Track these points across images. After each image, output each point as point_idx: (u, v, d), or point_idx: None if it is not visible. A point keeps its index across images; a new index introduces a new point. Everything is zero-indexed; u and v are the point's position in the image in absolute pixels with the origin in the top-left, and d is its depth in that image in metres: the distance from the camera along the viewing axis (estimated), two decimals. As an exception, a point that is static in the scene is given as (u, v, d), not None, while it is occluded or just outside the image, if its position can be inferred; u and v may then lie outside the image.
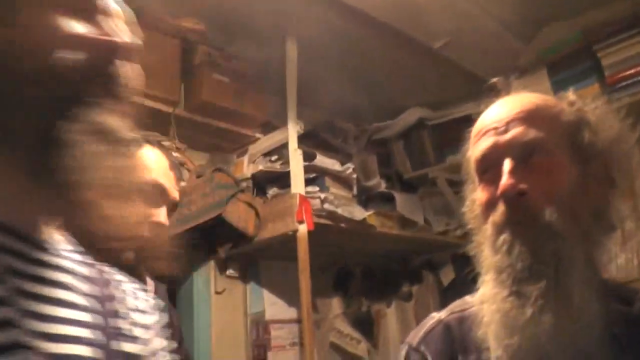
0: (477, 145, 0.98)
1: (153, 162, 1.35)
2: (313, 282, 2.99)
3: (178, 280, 2.84)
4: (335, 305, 3.09)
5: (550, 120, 0.95)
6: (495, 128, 0.95)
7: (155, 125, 2.47)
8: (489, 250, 0.94)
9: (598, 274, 0.95)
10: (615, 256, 2.82)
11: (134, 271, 1.40)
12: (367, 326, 3.17)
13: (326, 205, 2.48)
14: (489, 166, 0.95)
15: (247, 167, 2.70)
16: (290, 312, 2.86)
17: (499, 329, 0.91)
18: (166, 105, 2.47)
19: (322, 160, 2.56)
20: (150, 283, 1.53)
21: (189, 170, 2.55)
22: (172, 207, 1.40)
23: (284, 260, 2.76)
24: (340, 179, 2.63)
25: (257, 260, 2.89)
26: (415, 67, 2.83)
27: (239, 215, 2.54)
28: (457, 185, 2.94)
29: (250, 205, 2.57)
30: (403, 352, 1.04)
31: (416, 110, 3.04)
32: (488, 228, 0.94)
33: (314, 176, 2.56)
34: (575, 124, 0.96)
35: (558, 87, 2.60)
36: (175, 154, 2.49)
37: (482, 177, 0.97)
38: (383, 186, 2.82)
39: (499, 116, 0.97)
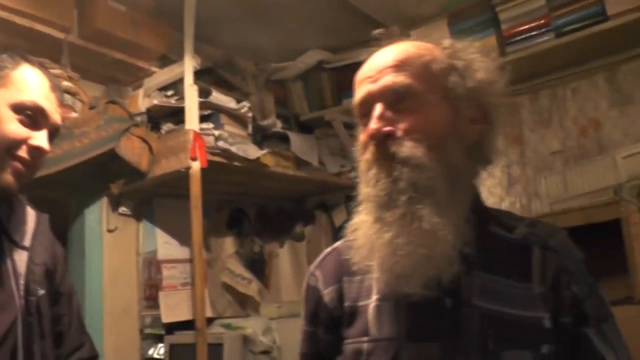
0: (356, 94, 1.06)
1: (32, 83, 1.30)
2: (207, 222, 3.01)
3: (68, 217, 2.79)
4: (229, 244, 3.11)
5: (420, 67, 1.03)
6: (370, 77, 1.04)
7: (46, 51, 2.37)
8: (362, 184, 1.03)
9: (474, 201, 1.05)
10: (500, 200, 3.01)
11: (11, 195, 1.38)
12: (259, 266, 3.23)
13: (220, 143, 2.48)
14: (365, 112, 1.04)
15: (142, 101, 2.65)
16: (183, 252, 2.87)
17: (366, 252, 1.01)
18: (58, 31, 2.38)
19: (218, 97, 2.54)
20: (31, 212, 1.50)
21: (82, 102, 2.47)
22: (54, 131, 1.36)
23: (177, 199, 2.75)
24: (236, 117, 2.62)
25: (150, 198, 2.86)
26: (317, 10, 2.82)
27: (132, 150, 2.50)
28: (352, 128, 3.02)
29: (144, 140, 2.53)
30: (306, 277, 1.19)
31: (316, 53, 3.06)
32: (362, 164, 1.04)
33: (209, 113, 2.54)
34: (446, 69, 1.04)
35: (457, 37, 2.68)
36: (67, 83, 2.41)
37: (361, 121, 1.06)
38: (279, 126, 2.84)
39: (373, 66, 1.05)
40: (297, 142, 2.87)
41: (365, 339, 1.03)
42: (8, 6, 2.19)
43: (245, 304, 3.13)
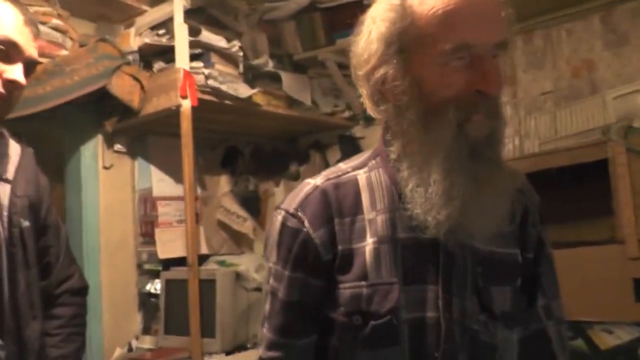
0: (462, 28, 0.93)
1: (3, 18, 1.31)
2: (202, 160, 3.05)
3: (64, 153, 2.83)
4: (224, 183, 3.15)
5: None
6: (484, 17, 0.94)
7: (34, -11, 2.37)
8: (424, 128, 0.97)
9: None
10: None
11: None
12: (254, 204, 3.28)
13: (210, 82, 2.48)
14: (471, 54, 0.94)
15: (134, 39, 2.65)
16: (178, 189, 2.90)
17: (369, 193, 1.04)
18: (46, -32, 2.37)
19: (208, 36, 2.53)
20: (15, 145, 1.53)
21: (72, 39, 2.48)
22: (30, 65, 1.38)
23: (171, 137, 2.75)
24: (227, 56, 2.61)
25: (145, 135, 2.89)
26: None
27: (123, 87, 2.52)
28: (346, 68, 3.01)
29: (135, 78, 2.54)
30: (279, 218, 1.08)
31: (310, -8, 3.02)
32: (443, 108, 0.95)
33: (200, 52, 2.54)
34: None
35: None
36: (56, 21, 2.41)
37: (451, 58, 0.94)
38: (271, 65, 2.82)
39: (481, 6, 0.94)
40: (289, 82, 2.86)
41: (364, 283, 1.00)
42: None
43: (240, 242, 3.19)
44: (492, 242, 1.02)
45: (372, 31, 1.01)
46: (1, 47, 1.29)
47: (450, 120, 0.94)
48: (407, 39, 0.96)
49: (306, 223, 1.04)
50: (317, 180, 1.09)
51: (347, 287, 1.02)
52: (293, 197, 1.09)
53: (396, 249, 1.00)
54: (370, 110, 1.07)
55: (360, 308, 1.00)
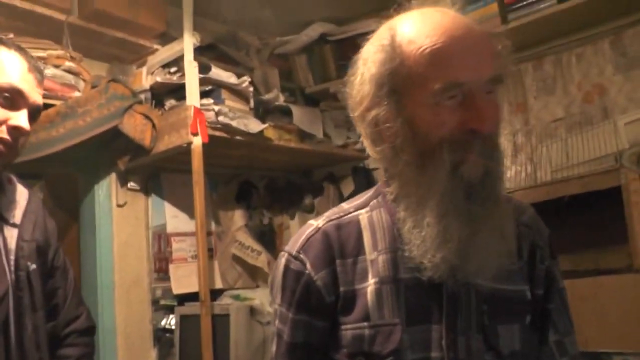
0: (451, 66, 0.93)
1: (8, 65, 1.34)
2: (216, 195, 3.07)
3: (79, 193, 2.87)
4: (238, 217, 3.17)
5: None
6: (473, 53, 0.94)
7: (47, 33, 2.43)
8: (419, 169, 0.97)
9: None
10: (505, 168, 3.00)
11: None
12: (269, 238, 3.29)
13: (221, 118, 2.51)
14: (463, 92, 0.93)
15: (146, 78, 2.70)
16: (192, 225, 2.87)
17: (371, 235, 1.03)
18: (58, 13, 2.44)
19: (218, 73, 2.57)
20: (23, 190, 1.56)
21: (84, 81, 2.53)
22: (35, 111, 1.41)
23: (184, 173, 2.79)
24: (237, 92, 2.64)
25: (158, 172, 2.93)
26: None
27: (135, 127, 2.55)
28: (357, 100, 3.02)
29: (147, 117, 2.58)
30: (283, 260, 1.09)
31: (320, 26, 3.05)
32: (438, 149, 0.94)
33: (210, 89, 2.57)
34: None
35: (459, 5, 2.65)
36: (69, 64, 2.46)
37: (442, 97, 0.93)
38: (282, 99, 2.85)
39: (469, 42, 0.94)
40: (300, 115, 2.88)
41: (366, 324, 1.00)
42: (10, -8, 2.26)
43: (256, 276, 3.20)
44: (498, 279, 1.01)
45: (364, 72, 1.01)
46: (6, 94, 1.32)
47: (445, 161, 0.93)
48: (398, 80, 0.96)
49: (308, 265, 1.05)
50: (319, 222, 1.09)
51: (349, 328, 1.02)
52: (296, 239, 1.10)
53: (399, 289, 1.00)
54: (369, 151, 1.07)
55: (363, 349, 1.00)
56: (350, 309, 1.02)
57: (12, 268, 1.43)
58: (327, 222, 1.08)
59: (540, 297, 1.07)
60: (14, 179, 1.56)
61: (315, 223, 1.09)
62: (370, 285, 1.01)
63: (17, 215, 1.49)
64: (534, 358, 1.05)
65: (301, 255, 1.06)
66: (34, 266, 1.49)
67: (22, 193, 1.55)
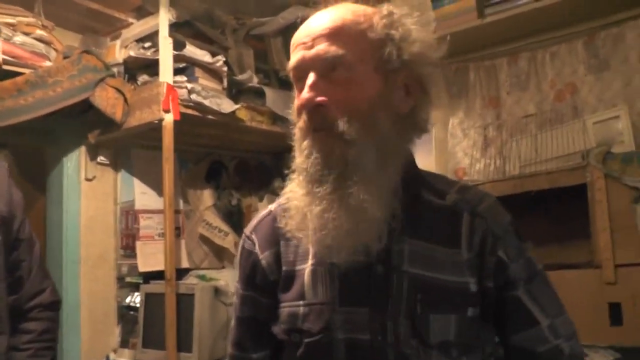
0: (292, 57, 1.05)
1: None
2: (185, 173, 3.04)
3: (47, 165, 2.82)
4: (207, 197, 3.15)
5: (355, 36, 1.01)
6: (304, 43, 1.02)
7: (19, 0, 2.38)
8: (297, 152, 1.05)
9: (407, 169, 1.06)
10: (475, 161, 3.02)
11: None
12: (237, 219, 3.27)
13: (193, 96, 2.49)
14: (299, 77, 1.03)
15: (120, 51, 2.66)
16: (160, 203, 2.84)
17: (297, 223, 1.03)
18: (31, -21, 2.38)
19: (193, 51, 2.54)
20: None
21: (56, 50, 2.48)
22: None
23: (155, 150, 2.77)
24: (211, 71, 2.62)
25: (128, 148, 2.89)
26: (299, -36, 2.80)
27: (107, 100, 2.52)
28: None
29: (119, 91, 2.55)
30: (241, 240, 1.19)
31: (297, 9, 3.01)
32: (297, 132, 1.05)
33: (184, 66, 2.55)
34: (381, 40, 1.03)
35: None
36: (40, 32, 2.41)
37: (296, 85, 1.06)
38: (255, 81, 2.83)
39: (308, 31, 1.03)
40: (273, 97, 2.86)
41: (301, 302, 1.05)
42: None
43: (222, 256, 3.19)
44: (437, 269, 1.03)
45: None
46: None
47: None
48: None
49: (256, 245, 1.14)
50: (274, 205, 1.17)
51: (286, 306, 1.08)
52: (252, 221, 1.20)
53: (332, 271, 1.03)
54: None
55: (297, 326, 1.05)
56: (289, 287, 1.08)
57: None
58: (278, 205, 1.14)
59: (494, 288, 1.06)
60: None
61: (270, 207, 1.18)
62: (308, 266, 1.06)
63: None
64: (477, 350, 1.06)
65: (252, 236, 1.16)
66: None
67: None
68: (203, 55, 2.57)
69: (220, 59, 2.63)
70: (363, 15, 1.04)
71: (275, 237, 1.11)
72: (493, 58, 2.74)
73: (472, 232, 1.06)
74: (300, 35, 1.05)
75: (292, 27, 3.03)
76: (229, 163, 3.30)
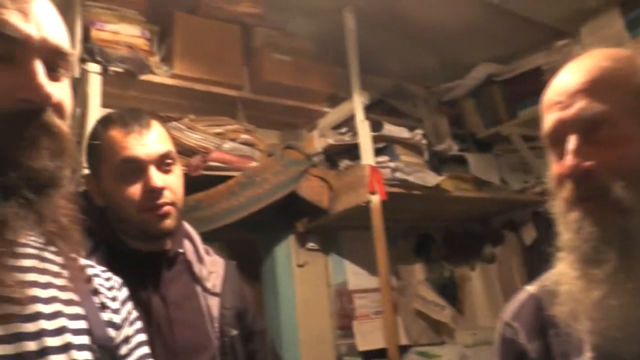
0: (545, 120, 0.95)
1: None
2: (394, 250, 3.02)
3: (260, 255, 2.95)
4: (418, 271, 3.10)
5: (617, 87, 0.89)
6: (559, 102, 0.92)
7: (223, 109, 2.54)
8: (561, 226, 0.92)
9: None
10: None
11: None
12: (451, 291, 3.17)
13: (397, 174, 2.48)
14: (556, 142, 0.92)
15: (318, 141, 2.74)
16: (373, 281, 2.89)
17: (570, 312, 0.91)
18: (231, 90, 2.54)
19: (390, 129, 2.55)
20: (220, 260, 1.63)
21: (260, 150, 2.60)
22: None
23: (362, 230, 2.76)
24: (410, 146, 2.61)
25: (336, 231, 2.94)
26: (479, 23, 2.74)
27: (312, 189, 2.58)
28: (532, 140, 2.87)
29: (322, 179, 2.60)
30: (498, 327, 1.07)
31: (485, 67, 2.95)
32: (559, 204, 0.93)
33: (384, 145, 2.56)
34: None
35: (633, 26, 2.46)
36: (244, 136, 2.54)
37: (553, 150, 0.94)
38: (455, 148, 2.77)
39: (563, 89, 0.92)
40: (475, 163, 2.78)
41: None
42: (188, 76, 2.40)
43: (440, 330, 3.09)
44: None
45: None
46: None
47: None
48: None
49: (520, 334, 1.02)
50: (534, 287, 1.04)
51: None
52: (510, 305, 1.07)
53: None
54: None
55: None
56: None
57: (217, 334, 1.51)
58: (540, 287, 1.03)
59: None
60: (211, 250, 1.65)
61: (530, 288, 1.05)
62: (586, 359, 0.91)
63: (218, 285, 1.57)
64: None
65: (514, 324, 1.03)
66: (235, 332, 1.56)
67: (218, 262, 1.63)
68: (400, 132, 2.57)
69: (418, 133, 2.61)
70: (622, 60, 0.92)
71: (542, 325, 0.98)
72: None
73: None
74: (554, 93, 0.94)
75: (483, 87, 2.96)
76: (436, 234, 3.24)
